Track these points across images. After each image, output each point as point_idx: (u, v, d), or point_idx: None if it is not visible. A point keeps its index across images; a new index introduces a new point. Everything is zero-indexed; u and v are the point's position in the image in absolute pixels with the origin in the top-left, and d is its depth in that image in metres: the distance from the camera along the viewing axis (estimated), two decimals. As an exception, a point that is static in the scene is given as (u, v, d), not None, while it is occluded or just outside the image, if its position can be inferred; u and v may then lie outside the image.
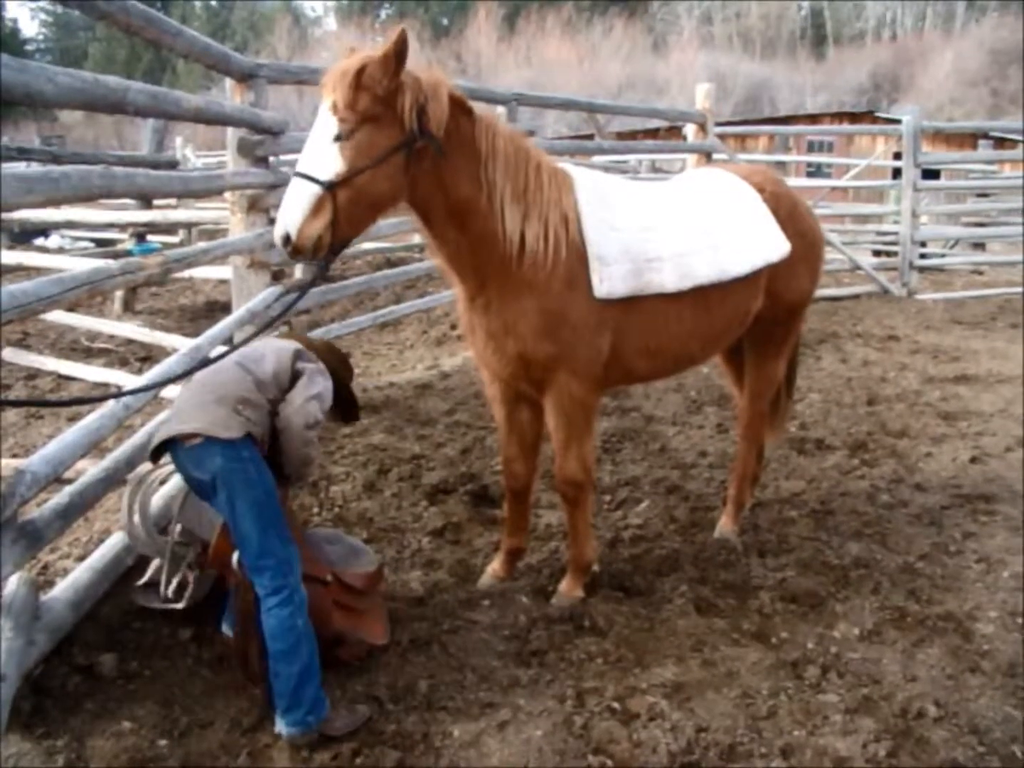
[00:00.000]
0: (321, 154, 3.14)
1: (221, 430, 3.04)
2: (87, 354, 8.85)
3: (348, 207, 3.16)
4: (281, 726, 3.07)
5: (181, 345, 5.73)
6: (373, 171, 3.17)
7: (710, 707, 3.27)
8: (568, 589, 4.05)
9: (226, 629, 3.51)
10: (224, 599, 3.48)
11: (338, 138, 3.13)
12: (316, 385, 3.23)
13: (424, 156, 3.30)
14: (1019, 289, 12.62)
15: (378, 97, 3.14)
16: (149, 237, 11.54)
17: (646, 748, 3.06)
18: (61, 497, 3.44)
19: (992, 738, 3.12)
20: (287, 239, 3.14)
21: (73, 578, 3.53)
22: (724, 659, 3.57)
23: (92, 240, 16.39)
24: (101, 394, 3.71)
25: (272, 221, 5.77)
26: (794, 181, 15.52)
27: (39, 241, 16.97)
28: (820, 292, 10.66)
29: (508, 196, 3.49)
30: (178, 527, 3.50)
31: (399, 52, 3.12)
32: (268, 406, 3.19)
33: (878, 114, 29.57)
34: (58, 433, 3.65)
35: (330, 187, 3.11)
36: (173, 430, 3.14)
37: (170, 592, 3.53)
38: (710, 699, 3.32)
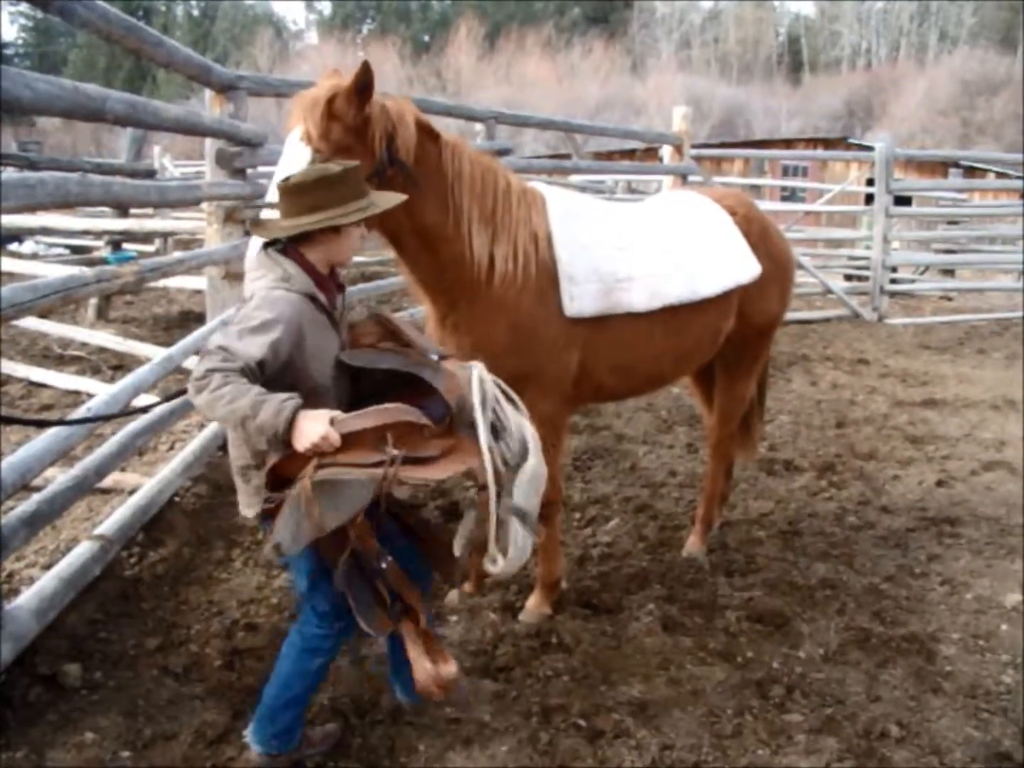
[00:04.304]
0: None
1: (248, 511, 2.87)
2: (59, 361, 8.77)
3: None
4: (249, 735, 3.00)
5: (154, 354, 5.71)
6: None
7: (675, 725, 3.29)
8: (536, 606, 4.06)
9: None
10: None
11: None
12: None
13: (394, 184, 3.30)
14: (986, 316, 12.86)
15: (348, 127, 3.14)
16: (125, 246, 11.46)
17: (611, 765, 3.08)
18: (28, 505, 3.42)
19: (953, 759, 3.16)
20: None
21: (38, 587, 3.50)
22: (690, 677, 3.59)
23: (67, 247, 16.25)
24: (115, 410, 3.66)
25: (248, 233, 5.78)
26: (768, 205, 15.67)
27: (13, 247, 16.81)
28: (791, 315, 10.80)
29: (476, 219, 3.50)
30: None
31: (362, 84, 3.12)
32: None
33: (852, 140, 29.94)
34: (27, 440, 3.62)
35: None
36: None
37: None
38: (676, 717, 3.34)
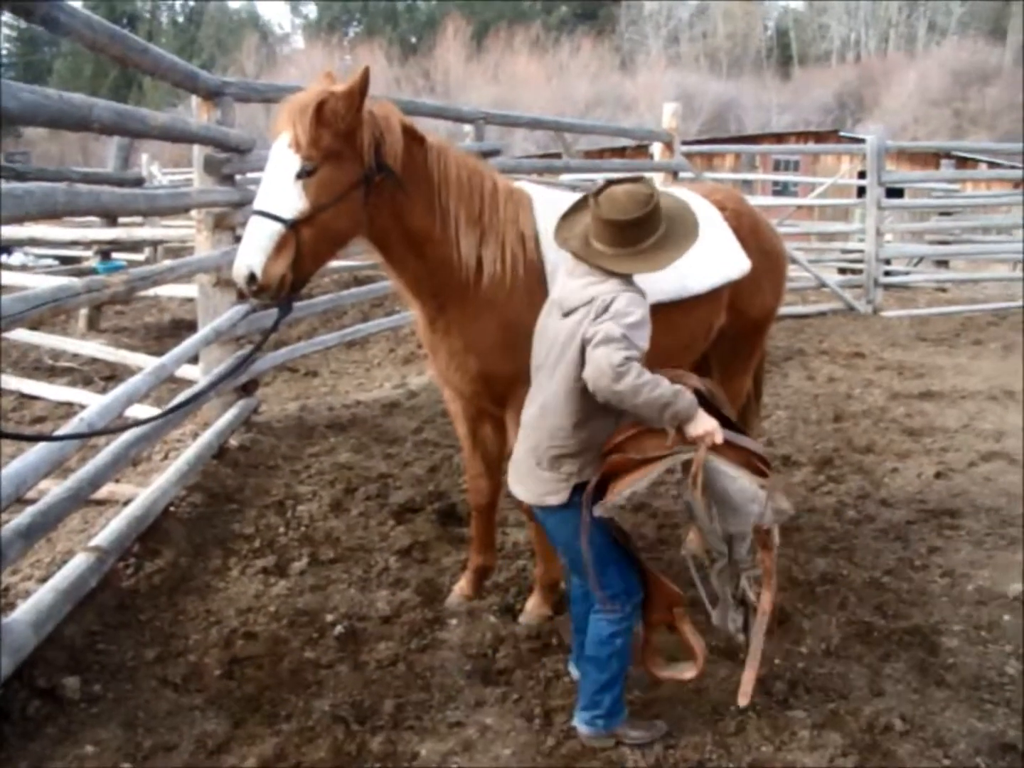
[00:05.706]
0: (283, 192, 3.11)
1: (551, 498, 3.10)
2: (50, 373, 8.75)
3: (310, 244, 3.15)
4: (577, 719, 3.21)
5: (146, 364, 5.69)
6: (335, 208, 3.16)
7: (679, 723, 3.27)
8: (535, 607, 4.04)
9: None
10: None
11: (300, 175, 3.10)
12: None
13: (382, 189, 3.29)
14: (982, 306, 12.88)
15: (339, 133, 3.13)
16: (114, 255, 11.44)
17: (615, 766, 3.06)
18: (23, 517, 3.39)
19: (957, 751, 3.15)
20: (252, 278, 3.10)
21: (35, 599, 3.47)
22: (692, 675, 3.57)
23: (56, 258, 16.23)
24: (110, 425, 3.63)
25: (239, 239, 5.76)
26: (760, 199, 15.67)
27: (1, 258, 16.78)
28: (786, 310, 10.80)
29: (463, 222, 3.48)
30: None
31: (363, 89, 3.12)
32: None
33: (843, 133, 29.98)
34: (20, 452, 3.60)
35: (292, 225, 3.10)
36: (512, 486, 3.26)
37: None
38: (679, 715, 3.32)
